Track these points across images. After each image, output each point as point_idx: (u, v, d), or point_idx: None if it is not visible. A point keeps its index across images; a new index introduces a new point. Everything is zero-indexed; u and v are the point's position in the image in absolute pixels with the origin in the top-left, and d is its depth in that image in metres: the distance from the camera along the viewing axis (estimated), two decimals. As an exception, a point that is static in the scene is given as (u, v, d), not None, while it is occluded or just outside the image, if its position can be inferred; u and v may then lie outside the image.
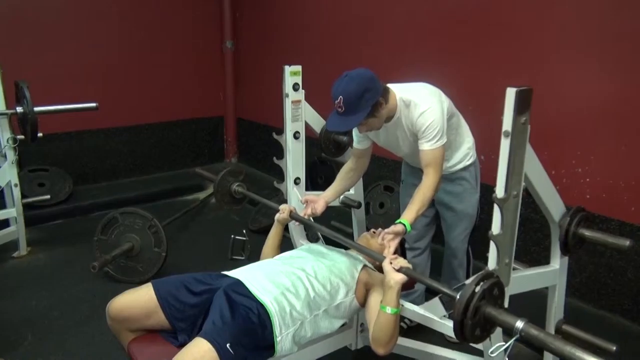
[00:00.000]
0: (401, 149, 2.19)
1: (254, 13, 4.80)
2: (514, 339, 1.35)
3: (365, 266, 1.95)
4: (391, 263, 1.70)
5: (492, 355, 1.40)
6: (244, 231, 3.44)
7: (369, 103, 1.86)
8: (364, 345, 2.25)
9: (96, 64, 4.35)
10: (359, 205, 2.82)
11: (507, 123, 1.56)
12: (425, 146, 1.97)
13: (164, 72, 4.74)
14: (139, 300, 1.70)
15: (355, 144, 2.28)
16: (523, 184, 1.66)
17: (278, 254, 2.18)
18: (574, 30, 2.45)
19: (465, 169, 2.27)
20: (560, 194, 1.92)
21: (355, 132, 2.24)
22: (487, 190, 2.40)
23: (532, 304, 2.13)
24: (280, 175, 2.69)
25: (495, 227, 1.65)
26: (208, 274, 1.82)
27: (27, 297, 2.81)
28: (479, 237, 2.40)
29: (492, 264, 1.69)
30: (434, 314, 2.02)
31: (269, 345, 1.62)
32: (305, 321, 1.71)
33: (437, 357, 2.07)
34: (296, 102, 2.50)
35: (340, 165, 3.92)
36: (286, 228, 2.62)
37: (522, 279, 1.88)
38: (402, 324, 2.50)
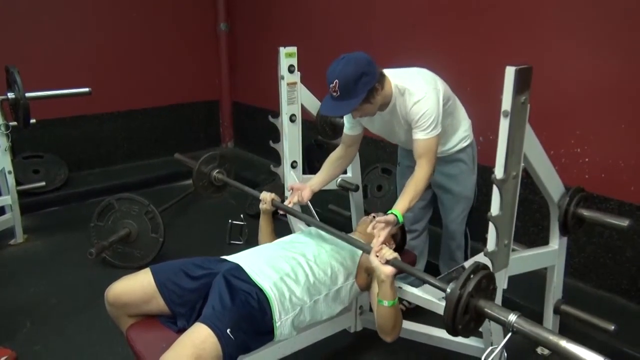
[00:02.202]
0: (397, 136, 2.16)
1: (248, -6, 4.73)
2: (507, 336, 1.34)
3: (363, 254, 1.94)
4: (378, 256, 1.67)
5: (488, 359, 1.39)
6: (242, 216, 3.42)
7: (365, 88, 1.82)
8: (363, 328, 2.26)
9: (89, 48, 4.28)
10: (356, 189, 2.81)
11: (506, 103, 1.53)
12: (419, 135, 1.93)
13: (157, 56, 4.67)
14: (137, 285, 1.70)
15: (346, 130, 2.23)
16: (522, 164, 1.65)
17: (274, 239, 2.17)
18: (573, 8, 2.41)
19: (462, 150, 2.25)
20: (559, 174, 1.91)
21: (347, 118, 2.20)
22: (485, 171, 2.38)
23: (531, 284, 2.14)
24: (277, 159, 2.66)
25: (494, 208, 1.64)
26: (207, 258, 1.81)
27: (25, 285, 2.80)
28: (477, 218, 2.40)
29: (491, 245, 1.69)
30: (433, 296, 2.02)
31: (269, 331, 1.62)
32: (305, 306, 1.71)
33: (438, 338, 2.07)
34: (292, 85, 2.46)
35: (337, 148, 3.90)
36: (284, 215, 2.62)
37: (521, 260, 1.88)
38: (401, 305, 2.50)
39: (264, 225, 2.21)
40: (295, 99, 2.48)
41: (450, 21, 2.99)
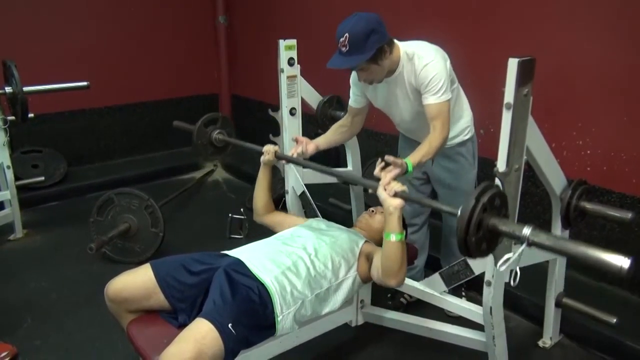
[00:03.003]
0: (400, 109, 2.12)
1: (246, -14, 4.69)
2: (523, 246, 1.28)
3: (366, 242, 1.93)
4: (385, 190, 1.64)
5: (501, 269, 1.34)
6: (242, 210, 3.41)
7: (374, 46, 1.82)
8: (365, 322, 2.26)
9: (87, 42, 4.24)
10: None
11: (508, 95, 1.52)
12: (431, 100, 1.91)
13: (156, 49, 4.63)
14: (137, 281, 1.69)
15: (350, 102, 2.25)
16: (524, 157, 1.64)
17: (270, 196, 2.19)
18: (576, -1, 2.39)
19: (462, 144, 2.23)
20: (560, 167, 1.90)
21: (352, 89, 2.22)
22: (486, 164, 2.38)
23: (532, 277, 2.12)
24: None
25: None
26: (207, 253, 1.80)
27: (25, 280, 2.80)
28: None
29: (493, 238, 1.68)
30: (434, 290, 2.02)
31: (270, 325, 1.61)
32: (307, 300, 1.70)
33: (439, 332, 2.07)
34: (292, 78, 2.45)
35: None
36: (284, 206, 2.60)
37: (524, 253, 1.86)
38: (402, 299, 2.50)
39: (263, 178, 2.19)
40: (295, 92, 2.47)
41: (451, 12, 2.96)
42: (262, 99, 4.73)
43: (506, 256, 1.34)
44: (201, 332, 1.43)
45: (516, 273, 1.36)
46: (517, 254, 1.31)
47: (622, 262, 1.09)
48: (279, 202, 3.71)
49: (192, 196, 4.10)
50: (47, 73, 3.60)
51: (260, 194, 2.19)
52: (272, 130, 2.67)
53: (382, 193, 1.65)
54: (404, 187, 1.65)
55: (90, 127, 4.45)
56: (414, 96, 2.02)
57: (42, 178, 3.70)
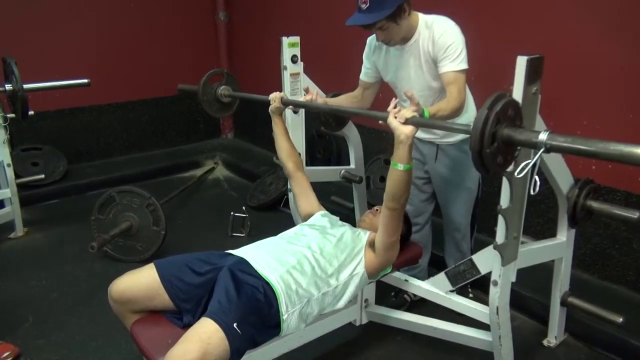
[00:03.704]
0: (410, 81, 2.09)
1: (247, -17, 4.66)
2: (540, 151, 1.23)
3: (370, 234, 1.92)
4: (396, 118, 1.58)
5: (519, 176, 1.29)
6: (244, 208, 3.39)
7: (395, 3, 1.85)
8: (369, 321, 2.25)
9: (86, 39, 4.22)
10: (360, 180, 2.78)
11: (517, 93, 1.50)
12: (448, 67, 1.91)
13: (156, 46, 4.61)
14: (141, 281, 1.66)
15: (362, 76, 2.29)
16: (532, 156, 1.62)
17: (291, 143, 2.18)
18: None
19: (465, 141, 2.21)
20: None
21: (364, 63, 2.26)
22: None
23: (537, 276, 2.12)
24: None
25: (504, 201, 1.62)
26: (211, 253, 1.78)
27: (26, 278, 2.78)
28: (482, 209, 2.38)
29: (500, 237, 1.67)
30: (440, 289, 2.01)
31: (276, 324, 1.60)
32: (312, 299, 1.68)
33: (444, 331, 2.06)
34: (295, 75, 2.42)
35: (340, 139, 3.87)
36: (286, 204, 2.58)
37: (530, 253, 1.86)
38: (405, 295, 2.49)
39: (277, 127, 2.18)
40: (298, 89, 2.45)
41: (454, 8, 2.93)
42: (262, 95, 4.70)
43: (524, 163, 1.28)
44: (207, 332, 1.41)
45: (536, 181, 1.29)
46: (535, 158, 1.25)
47: None
48: (280, 201, 3.73)
49: (192, 194, 4.09)
50: (47, 70, 3.57)
51: (281, 142, 2.17)
52: (272, 127, 2.65)
53: (392, 121, 1.58)
54: (415, 113, 1.59)
55: (90, 124, 4.43)
56: (427, 66, 2.02)
57: (42, 176, 3.68)
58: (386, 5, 1.84)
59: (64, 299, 2.59)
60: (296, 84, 2.44)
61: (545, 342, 2.23)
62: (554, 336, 2.22)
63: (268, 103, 2.19)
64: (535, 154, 1.27)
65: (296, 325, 1.66)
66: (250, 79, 4.90)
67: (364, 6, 1.87)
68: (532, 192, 1.35)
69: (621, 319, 1.95)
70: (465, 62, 1.93)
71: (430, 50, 1.97)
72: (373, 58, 2.21)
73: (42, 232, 3.36)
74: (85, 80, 3.17)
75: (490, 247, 1.76)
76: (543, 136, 1.20)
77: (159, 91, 4.73)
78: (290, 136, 2.48)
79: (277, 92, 2.18)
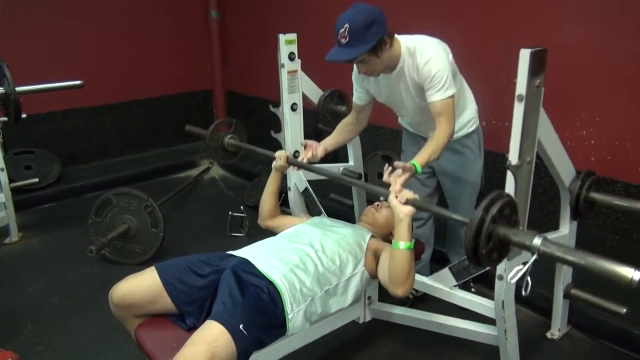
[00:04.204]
0: (404, 104, 2.10)
1: (239, -20, 4.62)
2: (532, 258, 1.26)
3: (372, 237, 1.91)
4: (397, 197, 1.62)
5: (512, 282, 1.33)
6: (242, 207, 3.37)
7: (375, 37, 1.79)
8: (373, 318, 2.24)
9: (78, 40, 4.17)
10: (359, 177, 2.75)
11: (520, 86, 1.49)
12: (435, 97, 1.88)
13: (148, 46, 4.56)
14: (143, 285, 1.65)
15: (354, 99, 2.23)
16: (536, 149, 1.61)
17: (277, 201, 2.17)
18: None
19: (467, 136, 2.21)
20: (567, 158, 1.88)
21: (355, 86, 2.20)
22: (488, 156, 2.35)
23: (539, 269, 2.11)
24: (276, 149, 2.60)
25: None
26: (213, 254, 1.76)
27: (23, 284, 2.74)
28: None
29: (505, 232, 1.66)
30: (444, 285, 2.00)
31: (281, 324, 1.58)
32: (316, 297, 1.67)
33: (449, 327, 2.06)
34: (292, 73, 2.40)
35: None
36: (285, 202, 2.57)
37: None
38: (408, 294, 2.48)
39: (272, 182, 2.17)
40: (296, 87, 2.43)
41: (451, 2, 2.93)
42: (257, 94, 4.68)
43: (516, 268, 1.33)
44: (213, 334, 1.39)
45: (527, 282, 1.33)
46: (527, 266, 1.30)
47: (632, 273, 1.07)
48: (287, 197, 3.69)
49: (189, 194, 4.06)
50: (39, 72, 3.53)
51: (268, 198, 2.16)
52: (268, 125, 2.63)
53: (393, 200, 1.63)
54: (415, 195, 1.64)
55: (84, 126, 4.37)
56: (416, 91, 1.99)
57: (36, 179, 3.63)
58: (366, 39, 1.78)
59: (63, 303, 2.56)
60: (294, 82, 2.42)
61: (548, 335, 2.23)
62: (557, 328, 2.22)
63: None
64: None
65: (301, 324, 1.65)
66: (245, 78, 4.88)
67: (343, 41, 1.80)
68: (523, 294, 1.38)
69: (625, 310, 1.96)
70: (452, 88, 1.89)
71: (415, 78, 1.94)
72: (364, 83, 2.16)
73: (37, 236, 3.32)
74: (79, 82, 3.13)
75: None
76: (537, 241, 1.21)
77: (152, 91, 4.69)
78: (288, 138, 2.48)
79: (283, 151, 2.16)
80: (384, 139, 3.52)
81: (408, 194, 1.63)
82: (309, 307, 1.65)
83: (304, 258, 1.71)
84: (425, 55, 1.88)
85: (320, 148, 2.14)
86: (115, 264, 2.89)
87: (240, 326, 1.43)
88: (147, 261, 2.86)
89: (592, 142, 2.44)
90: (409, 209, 1.61)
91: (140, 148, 4.72)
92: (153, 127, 4.78)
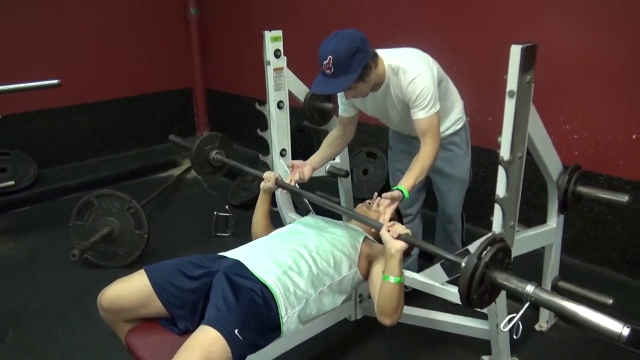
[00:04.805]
0: (390, 118, 2.12)
1: (217, -24, 4.55)
2: (525, 306, 1.30)
3: (366, 238, 1.90)
4: (389, 231, 1.63)
5: (505, 330, 1.36)
6: (227, 207, 3.33)
7: (360, 65, 1.76)
8: (364, 316, 2.23)
9: (53, 38, 4.04)
10: (347, 174, 2.76)
11: (511, 82, 1.50)
12: (420, 115, 1.88)
13: (126, 44, 4.46)
14: (133, 289, 1.61)
15: (341, 113, 2.20)
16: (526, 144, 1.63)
17: (269, 221, 2.12)
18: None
19: (455, 133, 2.22)
20: (551, 152, 1.91)
21: (341, 100, 2.17)
22: (473, 152, 2.36)
23: (525, 263, 2.14)
24: (259, 147, 2.58)
25: (501, 190, 1.62)
26: (204, 256, 1.73)
27: (3, 291, 2.65)
28: (470, 200, 2.39)
29: (497, 227, 1.68)
30: (435, 281, 2.01)
31: (276, 327, 1.56)
32: (310, 299, 1.66)
33: (441, 322, 2.07)
34: (278, 70, 2.38)
35: (321, 134, 3.83)
36: (273, 201, 2.55)
37: (525, 240, 1.88)
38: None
39: (262, 205, 2.13)
40: (282, 84, 2.40)
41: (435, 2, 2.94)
42: (237, 92, 4.63)
43: (509, 316, 1.35)
44: (208, 340, 1.37)
45: (519, 326, 1.35)
46: (520, 313, 1.32)
47: (620, 329, 1.12)
48: (273, 195, 3.65)
49: (172, 195, 3.99)
50: (14, 72, 3.41)
51: (260, 220, 2.12)
52: (250, 123, 2.60)
53: (385, 234, 1.63)
54: (408, 230, 1.64)
55: (60, 126, 4.25)
56: (402, 107, 1.99)
57: (12, 182, 3.49)
58: (351, 69, 1.74)
59: (46, 309, 2.49)
60: (280, 79, 2.39)
61: (537, 327, 2.27)
62: (545, 320, 2.26)
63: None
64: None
65: (296, 327, 1.63)
66: (226, 76, 4.82)
67: (328, 72, 1.76)
68: (514, 338, 1.40)
69: (611, 301, 1.99)
70: (437, 105, 1.88)
71: (400, 96, 1.94)
72: (350, 98, 2.11)
73: (15, 241, 3.21)
74: (56, 81, 3.03)
75: (486, 237, 1.77)
76: (530, 289, 1.25)
77: (131, 90, 4.59)
78: (274, 136, 2.45)
79: (272, 173, 2.12)
80: (368, 135, 3.52)
81: (400, 228, 1.62)
82: (304, 309, 1.64)
83: (297, 260, 1.69)
84: (409, 75, 1.87)
85: (307, 168, 2.12)
86: (98, 267, 2.83)
87: (236, 331, 1.40)
88: (131, 264, 2.80)
89: (575, 136, 2.48)
90: (400, 245, 1.60)
91: (119, 148, 4.62)
92: (132, 127, 4.68)
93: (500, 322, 1.81)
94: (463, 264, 1.37)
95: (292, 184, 2.10)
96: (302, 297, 1.64)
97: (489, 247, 1.36)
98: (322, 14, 3.62)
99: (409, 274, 2.13)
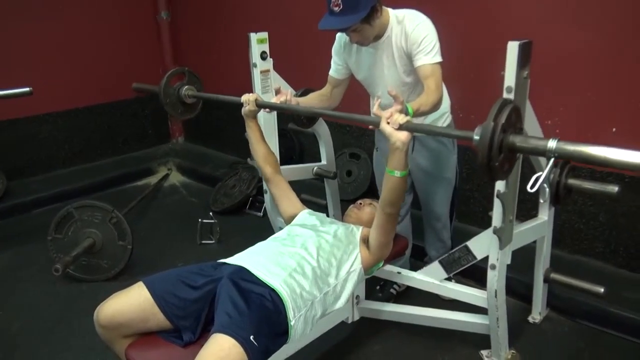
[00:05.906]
0: (384, 78, 2.07)
1: (188, -20, 4.47)
2: (551, 161, 1.21)
3: (362, 229, 1.89)
4: (388, 123, 1.54)
5: (532, 190, 1.25)
6: (210, 213, 3.27)
7: (369, 4, 1.80)
8: (361, 317, 2.23)
9: (22, 44, 3.88)
10: (334, 176, 2.75)
11: (509, 78, 1.53)
12: (424, 59, 1.89)
13: (97, 50, 4.32)
14: (132, 302, 1.54)
15: (331, 72, 2.22)
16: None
17: (267, 145, 2.06)
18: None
19: None
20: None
21: (334, 59, 2.19)
22: (459, 150, 2.39)
23: (518, 255, 2.17)
24: (237, 151, 2.53)
25: (501, 186, 1.64)
26: (204, 264, 1.68)
27: (-22, 311, 2.53)
28: (458, 197, 2.42)
29: (497, 222, 1.70)
30: (434, 278, 2.02)
31: (284, 331, 1.53)
32: (315, 300, 1.63)
33: (439, 319, 2.08)
34: (265, 72, 2.35)
35: (304, 137, 3.82)
36: (252, 206, 2.51)
37: (521, 234, 1.91)
38: (391, 290, 2.49)
39: (252, 132, 2.03)
40: (269, 87, 2.38)
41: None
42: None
43: (535, 175, 1.25)
44: (223, 348, 1.32)
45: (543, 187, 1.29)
46: (546, 170, 1.23)
47: None
48: (245, 204, 3.61)
49: (150, 203, 3.88)
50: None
51: (257, 147, 2.04)
52: (226, 127, 2.55)
53: (385, 127, 1.54)
54: (408, 117, 1.55)
55: (29, 136, 4.08)
56: (401, 62, 1.99)
57: (-19, 196, 3.36)
58: (360, 7, 1.78)
59: (29, 328, 2.37)
60: (267, 82, 2.36)
61: (530, 319, 2.31)
62: (538, 312, 2.30)
63: (236, 105, 2.00)
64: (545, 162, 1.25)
65: (302, 329, 1.60)
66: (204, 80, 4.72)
67: (336, 9, 1.79)
68: (530, 190, 1.29)
69: (603, 289, 2.05)
70: (440, 55, 1.91)
71: (403, 46, 1.94)
72: (344, 55, 2.15)
73: (-12, 258, 3.07)
74: (27, 89, 2.89)
75: (485, 232, 1.80)
76: (552, 144, 1.17)
77: (102, 97, 4.44)
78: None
79: (250, 94, 2.00)
80: (351, 137, 3.52)
81: (400, 117, 1.52)
82: (309, 311, 1.61)
83: (300, 262, 1.67)
84: (415, 20, 1.91)
85: (294, 99, 2.06)
86: (80, 281, 2.71)
87: (251, 337, 1.36)
88: (116, 276, 2.71)
89: (557, 131, 2.54)
90: (405, 135, 1.52)
91: (92, 157, 4.47)
92: (104, 135, 4.54)
93: (500, 317, 1.85)
94: (478, 134, 1.24)
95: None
96: (308, 299, 1.61)
97: (501, 112, 1.24)
98: (298, 15, 3.60)
99: (407, 272, 2.14)
